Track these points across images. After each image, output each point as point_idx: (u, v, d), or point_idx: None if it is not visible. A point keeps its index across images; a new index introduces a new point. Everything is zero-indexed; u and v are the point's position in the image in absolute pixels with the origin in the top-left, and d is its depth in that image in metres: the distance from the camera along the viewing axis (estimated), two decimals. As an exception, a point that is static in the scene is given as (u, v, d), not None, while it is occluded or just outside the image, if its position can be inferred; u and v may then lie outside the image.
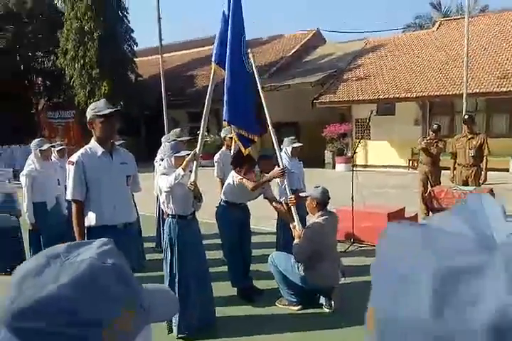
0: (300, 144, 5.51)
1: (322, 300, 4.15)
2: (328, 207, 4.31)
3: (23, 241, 5.45)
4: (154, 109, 17.58)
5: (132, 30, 19.36)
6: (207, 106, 3.82)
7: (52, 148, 5.79)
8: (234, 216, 4.48)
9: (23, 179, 5.14)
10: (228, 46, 3.70)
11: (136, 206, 5.22)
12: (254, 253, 4.83)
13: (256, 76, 4.25)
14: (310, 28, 22.19)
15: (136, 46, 19.90)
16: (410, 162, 14.95)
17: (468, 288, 0.31)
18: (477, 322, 0.30)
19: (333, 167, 16.02)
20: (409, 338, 0.32)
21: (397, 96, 14.72)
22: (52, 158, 5.80)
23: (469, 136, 6.62)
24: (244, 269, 4.55)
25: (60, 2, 19.70)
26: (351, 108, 16.32)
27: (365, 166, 16.39)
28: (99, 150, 3.02)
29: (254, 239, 5.07)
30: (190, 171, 3.72)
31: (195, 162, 3.67)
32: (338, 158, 15.54)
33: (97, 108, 2.95)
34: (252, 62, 4.20)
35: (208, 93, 3.79)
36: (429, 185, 7.31)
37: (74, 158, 2.99)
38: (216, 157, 5.61)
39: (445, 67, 15.02)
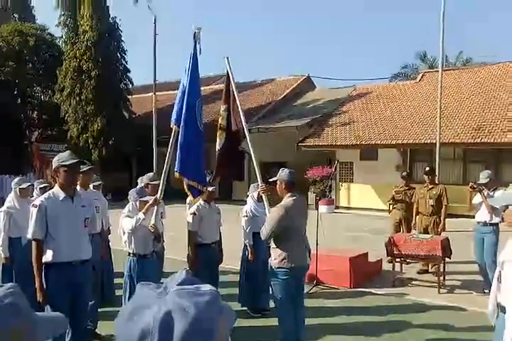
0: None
1: None
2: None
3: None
4: (146, 146, 18.06)
5: (129, 71, 20.16)
6: (167, 159, 4.26)
7: (37, 185, 6.10)
8: None
9: (1, 215, 5.43)
10: (184, 108, 4.16)
11: (109, 243, 5.54)
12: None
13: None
14: (302, 73, 23.20)
15: (132, 85, 20.64)
16: (391, 206, 15.29)
17: (145, 310, 0.70)
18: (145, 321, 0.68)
19: (316, 208, 16.30)
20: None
21: (379, 142, 15.30)
22: (35, 194, 6.10)
23: (430, 186, 7.01)
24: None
25: (61, 42, 20.61)
26: (336, 151, 16.86)
27: (348, 208, 16.75)
28: (62, 195, 3.38)
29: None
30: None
31: (156, 207, 4.01)
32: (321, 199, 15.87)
33: (61, 159, 3.34)
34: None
35: (168, 148, 4.25)
36: (401, 231, 7.59)
37: (37, 201, 3.37)
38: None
39: (425, 117, 15.70)
